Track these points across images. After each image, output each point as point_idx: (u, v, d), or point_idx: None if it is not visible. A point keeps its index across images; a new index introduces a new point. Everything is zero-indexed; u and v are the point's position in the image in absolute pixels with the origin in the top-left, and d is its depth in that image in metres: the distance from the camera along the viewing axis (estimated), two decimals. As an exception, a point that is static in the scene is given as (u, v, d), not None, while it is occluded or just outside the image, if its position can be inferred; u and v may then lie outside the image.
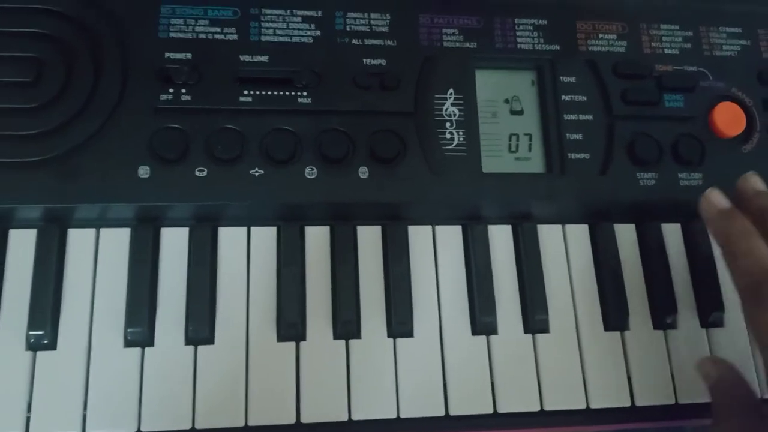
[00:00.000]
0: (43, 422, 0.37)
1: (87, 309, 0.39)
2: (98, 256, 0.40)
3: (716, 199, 0.40)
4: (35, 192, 0.39)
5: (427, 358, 0.41)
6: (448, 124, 0.44)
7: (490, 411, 0.40)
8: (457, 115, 0.44)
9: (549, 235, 0.44)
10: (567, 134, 0.44)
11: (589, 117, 0.45)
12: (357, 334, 0.41)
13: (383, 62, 0.44)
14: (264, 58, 0.43)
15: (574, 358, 0.41)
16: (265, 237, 0.42)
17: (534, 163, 0.44)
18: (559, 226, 0.44)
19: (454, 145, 0.43)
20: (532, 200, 0.43)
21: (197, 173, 0.41)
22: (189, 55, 0.42)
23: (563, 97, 0.45)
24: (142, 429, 0.37)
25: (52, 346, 0.38)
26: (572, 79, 0.45)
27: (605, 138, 0.45)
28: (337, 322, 0.40)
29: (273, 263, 0.41)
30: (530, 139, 0.45)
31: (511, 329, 0.42)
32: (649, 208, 0.45)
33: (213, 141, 0.41)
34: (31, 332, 0.38)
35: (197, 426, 0.38)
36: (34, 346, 0.38)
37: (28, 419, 0.37)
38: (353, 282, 0.41)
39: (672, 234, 0.45)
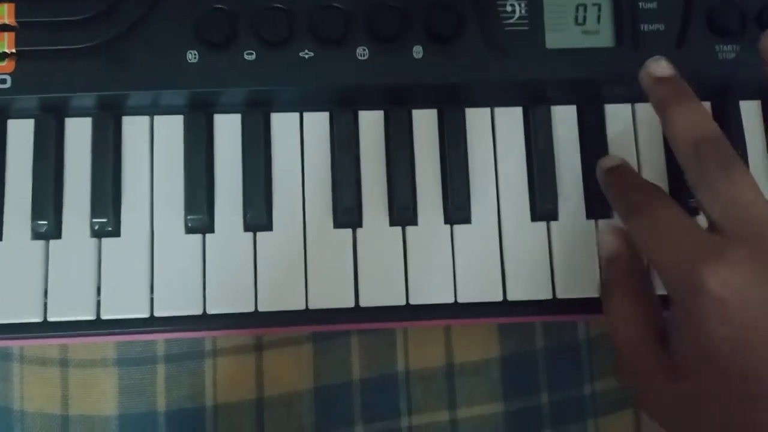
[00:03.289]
0: (112, 305, 0.38)
1: (147, 197, 0.39)
2: (154, 143, 0.40)
3: (653, 68, 0.38)
4: (87, 80, 0.39)
5: (484, 244, 0.40)
6: (508, -4, 0.40)
7: (549, 296, 0.40)
8: (519, -14, 0.40)
9: (617, 115, 0.41)
10: (640, 3, 0.41)
11: (666, -17, 0.41)
12: (414, 221, 0.40)
13: (437, -70, 0.40)
14: (309, -68, 0.40)
15: (639, 244, 0.40)
16: (318, 122, 0.41)
17: (603, 36, 0.41)
18: (629, 105, 0.42)
19: (515, 18, 0.40)
20: (600, 78, 0.40)
21: (246, 57, 0.39)
22: (231, -68, 0.40)
23: (638, -39, 0.41)
24: (207, 311, 0.39)
25: (116, 233, 0.39)
26: (648, -59, 0.41)
27: (683, 6, 0.41)
28: (394, 209, 0.40)
29: (327, 149, 0.41)
30: (599, 10, 0.41)
31: (573, 215, 0.40)
32: (728, 84, 0.42)
33: (261, 22, 0.39)
34: (94, 220, 0.39)
35: (260, 308, 0.39)
36: (98, 233, 0.39)
37: (98, 302, 0.39)
38: (409, 168, 0.40)
39: (749, 111, 0.42)
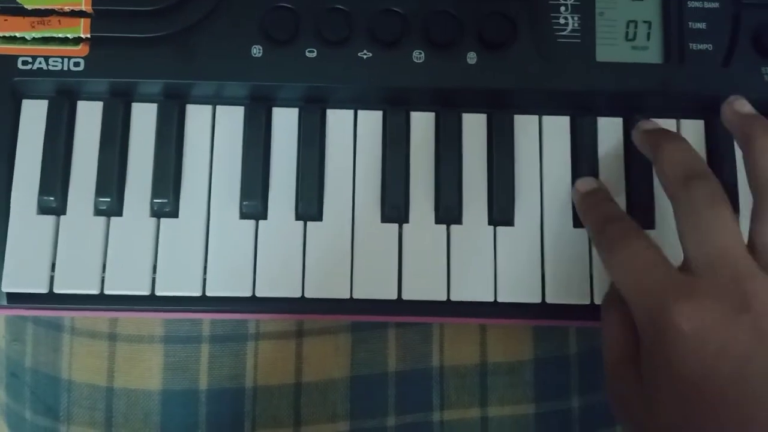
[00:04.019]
0: (167, 283, 0.40)
1: (206, 181, 0.41)
2: (215, 131, 0.42)
3: (737, 105, 0.39)
4: (156, 67, 0.41)
5: (526, 247, 0.41)
6: (562, 8, 0.42)
7: (587, 302, 0.41)
8: (573, -1, 0.42)
9: (661, 130, 0.42)
10: (689, 23, 0.42)
11: (715, 4, 0.42)
12: (458, 220, 0.41)
13: (497, -59, 0.42)
14: (372, -64, 0.42)
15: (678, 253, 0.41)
16: (372, 120, 0.42)
17: (652, 52, 0.42)
18: (674, 121, 0.43)
19: (567, 30, 0.42)
20: (646, 92, 0.42)
21: (307, 54, 0.41)
22: (299, -67, 0.42)
23: (689, -19, 0.42)
24: (257, 294, 0.40)
25: (174, 214, 0.41)
26: (700, -38, 0.42)
27: (730, 27, 0.42)
28: (440, 208, 0.41)
29: (378, 146, 0.42)
30: (649, 27, 0.43)
31: (614, 222, 0.42)
32: (772, 105, 0.43)
33: (322, 21, 0.41)
34: (155, 200, 0.41)
35: (306, 295, 0.40)
36: (157, 213, 0.41)
37: (153, 280, 0.40)
38: (457, 169, 0.42)
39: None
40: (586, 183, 0.41)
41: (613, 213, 0.39)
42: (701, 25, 0.42)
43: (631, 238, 0.36)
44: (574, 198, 0.41)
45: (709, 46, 0.42)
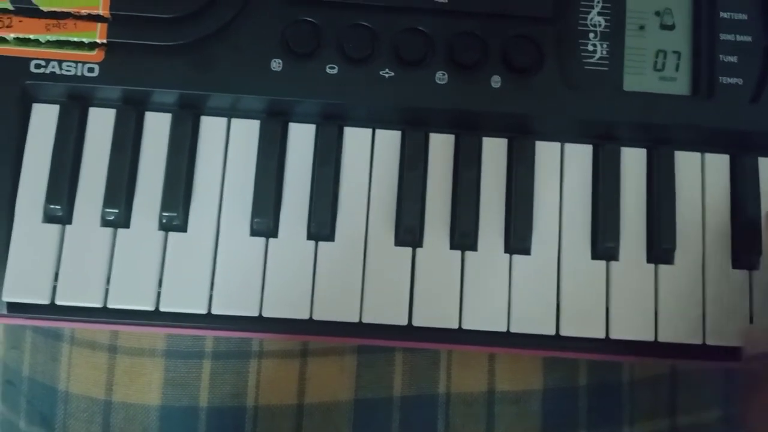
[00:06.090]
0: (172, 299, 0.39)
1: (217, 196, 0.40)
2: (229, 145, 0.41)
3: None
4: (172, 77, 0.40)
5: (542, 277, 0.40)
6: (591, 35, 0.41)
7: (602, 336, 0.40)
8: (602, 26, 0.41)
9: (686, 163, 0.41)
10: (720, 56, 0.41)
11: (748, 38, 0.41)
12: (474, 247, 0.40)
13: (527, -37, 0.41)
14: (402, -47, 0.41)
15: (697, 293, 0.40)
16: (390, 140, 0.41)
17: (680, 84, 0.41)
18: (698, 154, 0.42)
19: (596, 58, 0.41)
20: (673, 124, 0.41)
21: (328, 70, 0.40)
22: (325, -54, 0.41)
23: (722, 14, 0.41)
24: (263, 314, 0.39)
25: (183, 228, 0.40)
26: (734, -6, 0.41)
27: (762, 63, 0.41)
28: (455, 233, 0.40)
29: (395, 167, 0.41)
30: (678, 58, 0.42)
31: (633, 257, 0.41)
32: (800, 143, 0.42)
33: (345, 37, 0.40)
34: (164, 213, 0.39)
35: (314, 317, 0.39)
36: (166, 227, 0.40)
37: (159, 294, 0.39)
38: (474, 193, 0.41)
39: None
40: None
41: None
42: (733, 59, 0.41)
43: None
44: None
45: (740, 81, 0.41)
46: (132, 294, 0.39)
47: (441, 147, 0.41)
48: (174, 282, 0.39)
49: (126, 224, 0.40)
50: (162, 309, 0.39)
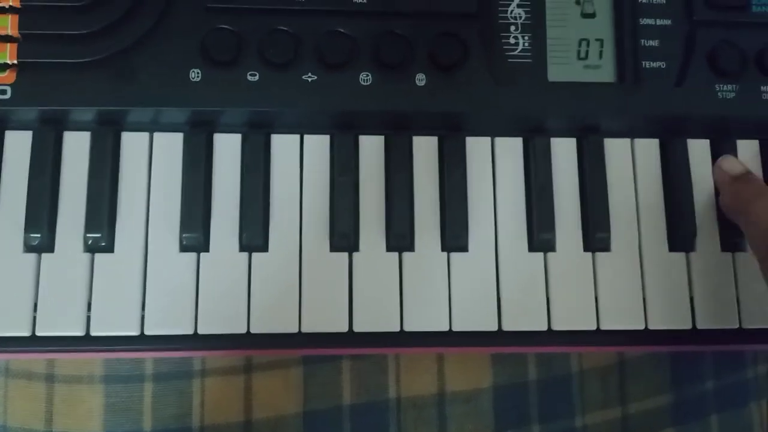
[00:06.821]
0: (102, 321, 0.38)
1: (143, 213, 0.39)
2: (152, 160, 0.40)
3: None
4: (88, 94, 0.39)
5: (481, 273, 0.40)
6: (512, 28, 0.41)
7: (545, 328, 0.39)
8: (522, 18, 0.41)
9: (616, 150, 0.41)
10: (642, 40, 0.41)
11: (668, 22, 0.41)
12: (410, 247, 0.40)
13: (445, -41, 0.41)
14: (318, -45, 0.40)
15: (635, 279, 0.40)
16: (319, 145, 0.41)
17: (605, 71, 0.41)
18: (628, 140, 0.42)
19: (518, 50, 0.41)
20: (600, 112, 0.41)
21: (249, 77, 0.39)
22: (240, -50, 0.40)
23: (641, -2, 0.41)
24: (199, 331, 0.38)
25: (110, 248, 0.39)
26: (652, -21, 0.41)
27: (684, 45, 0.41)
28: (391, 235, 0.40)
29: (326, 172, 0.40)
30: (601, 45, 0.42)
31: (570, 247, 0.40)
32: (727, 123, 0.42)
33: (265, 43, 0.40)
34: (88, 234, 0.38)
35: (252, 330, 0.38)
36: (92, 248, 0.39)
37: (88, 318, 0.38)
38: (408, 194, 0.40)
39: (747, 151, 0.42)
40: (734, 166, 0.41)
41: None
42: (654, 43, 0.41)
43: None
44: (717, 177, 0.41)
45: (663, 64, 0.41)
46: (60, 320, 0.38)
47: (371, 149, 0.41)
48: (104, 304, 0.38)
49: (50, 248, 0.38)
50: (93, 333, 0.38)
